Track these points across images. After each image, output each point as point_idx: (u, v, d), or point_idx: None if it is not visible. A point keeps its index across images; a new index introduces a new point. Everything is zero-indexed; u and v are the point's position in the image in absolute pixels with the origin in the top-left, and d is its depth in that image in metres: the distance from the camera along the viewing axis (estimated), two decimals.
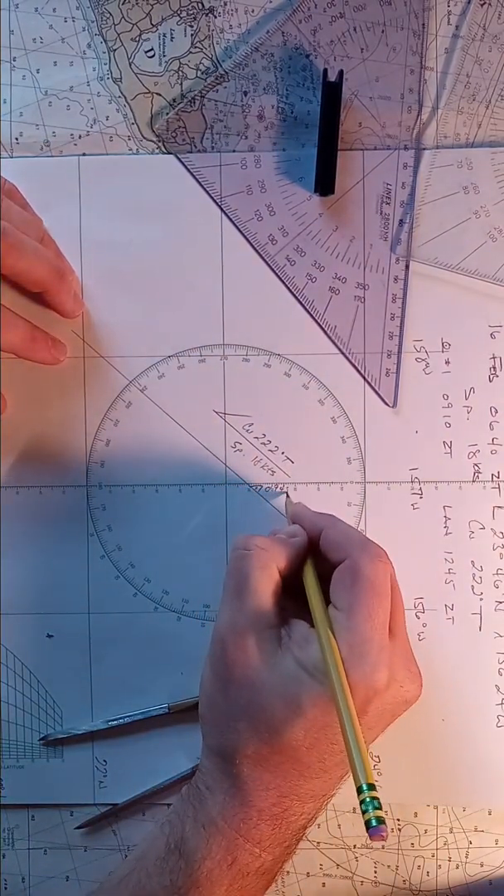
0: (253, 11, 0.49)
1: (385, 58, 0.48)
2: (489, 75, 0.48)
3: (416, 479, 0.48)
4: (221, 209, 0.49)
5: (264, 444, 0.49)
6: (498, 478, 0.48)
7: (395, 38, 0.48)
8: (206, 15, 0.49)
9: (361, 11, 0.48)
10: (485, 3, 0.48)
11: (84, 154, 0.49)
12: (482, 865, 0.47)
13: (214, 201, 0.49)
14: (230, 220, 0.49)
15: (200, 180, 0.49)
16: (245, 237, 0.49)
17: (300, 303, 0.49)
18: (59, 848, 0.49)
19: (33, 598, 0.49)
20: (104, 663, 0.49)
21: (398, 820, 0.48)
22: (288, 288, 0.49)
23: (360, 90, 0.48)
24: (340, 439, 0.49)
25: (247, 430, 0.49)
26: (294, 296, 0.49)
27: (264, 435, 0.49)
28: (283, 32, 0.48)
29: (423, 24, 0.48)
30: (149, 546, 0.49)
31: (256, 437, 0.49)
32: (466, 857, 0.47)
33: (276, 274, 0.49)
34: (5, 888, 0.49)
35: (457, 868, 0.47)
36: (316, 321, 0.49)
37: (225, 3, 0.49)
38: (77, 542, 0.49)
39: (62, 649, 0.49)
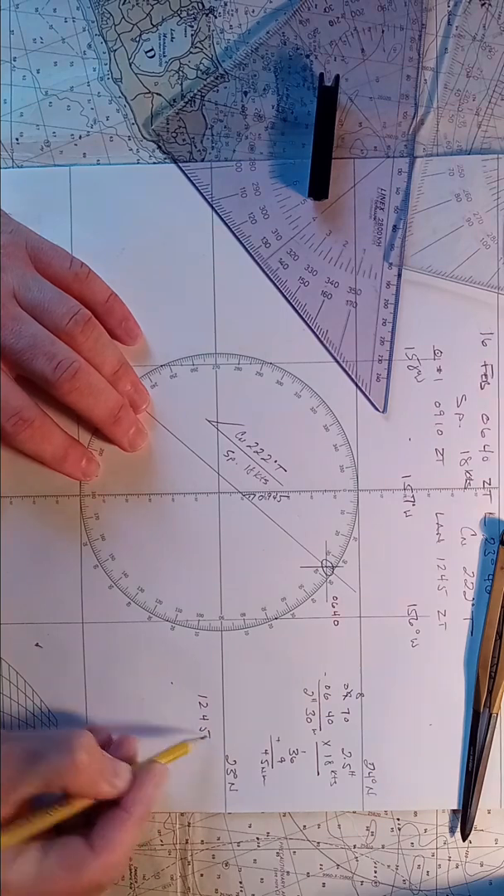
0: (253, 12, 0.48)
1: (385, 58, 0.48)
2: (481, 83, 0.48)
3: (409, 487, 0.49)
4: (215, 211, 0.48)
5: (257, 452, 0.49)
6: (489, 484, 0.49)
7: (395, 40, 0.47)
8: (207, 15, 0.48)
9: (361, 14, 0.47)
10: (484, 2, 0.47)
11: (84, 154, 0.49)
12: (482, 865, 0.49)
13: (208, 203, 0.48)
14: (224, 222, 0.48)
15: (195, 182, 0.48)
16: (238, 240, 0.49)
17: (293, 307, 0.49)
18: None
19: (27, 608, 0.49)
20: (98, 673, 0.49)
21: (398, 819, 0.49)
22: (281, 292, 0.49)
23: (360, 90, 0.48)
24: (333, 447, 0.49)
25: (239, 439, 0.49)
26: (287, 300, 0.49)
27: (257, 443, 0.49)
28: (283, 33, 0.48)
29: (423, 25, 0.48)
30: (142, 555, 0.49)
31: (249, 446, 0.49)
32: (466, 857, 0.49)
33: (269, 278, 0.49)
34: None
35: (457, 868, 0.49)
36: (308, 326, 0.49)
37: (225, 4, 0.48)
38: (70, 551, 0.49)
39: (56, 659, 0.49)
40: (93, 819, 0.44)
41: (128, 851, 0.44)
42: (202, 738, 0.48)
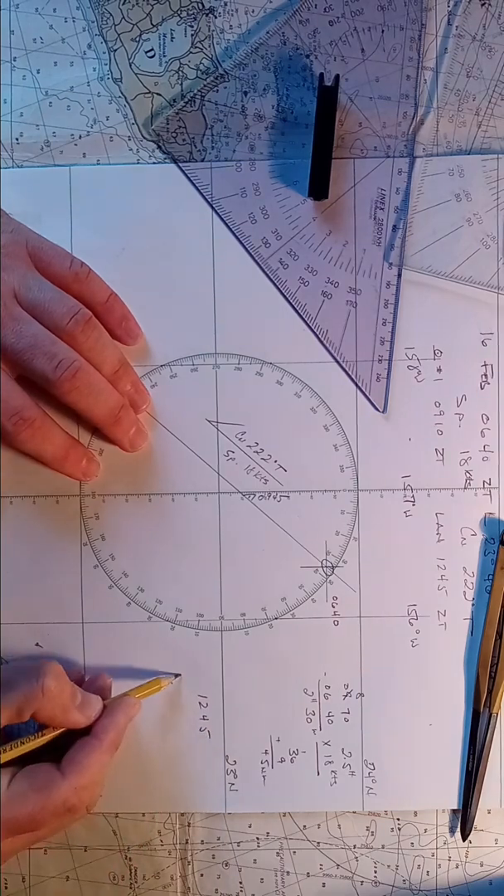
0: (253, 12, 0.48)
1: (385, 58, 0.48)
2: (481, 83, 0.48)
3: (409, 487, 0.49)
4: (215, 211, 0.48)
5: (257, 452, 0.49)
6: (489, 484, 0.49)
7: (395, 40, 0.47)
8: (207, 15, 0.48)
9: (361, 14, 0.47)
10: (484, 2, 0.47)
11: (84, 154, 0.49)
12: (482, 865, 0.49)
13: (208, 202, 0.48)
14: (224, 222, 0.49)
15: (195, 182, 0.48)
16: (238, 240, 0.49)
17: (293, 308, 0.49)
18: (59, 848, 0.50)
19: (27, 608, 0.49)
20: (98, 673, 0.49)
21: (398, 819, 0.49)
22: (281, 292, 0.49)
23: (360, 90, 0.48)
24: (333, 447, 0.49)
25: (239, 439, 0.49)
26: (287, 300, 0.49)
27: (257, 443, 0.49)
28: (283, 33, 0.48)
29: (423, 25, 0.48)
30: (142, 555, 0.49)
31: (249, 446, 0.49)
32: (466, 857, 0.49)
33: (269, 278, 0.49)
34: (5, 888, 0.49)
35: (457, 868, 0.49)
36: (308, 326, 0.49)
37: (225, 4, 0.48)
38: (70, 551, 0.49)
39: (56, 659, 0.48)
40: (64, 752, 0.45)
41: (97, 776, 0.44)
42: (176, 675, 0.48)
